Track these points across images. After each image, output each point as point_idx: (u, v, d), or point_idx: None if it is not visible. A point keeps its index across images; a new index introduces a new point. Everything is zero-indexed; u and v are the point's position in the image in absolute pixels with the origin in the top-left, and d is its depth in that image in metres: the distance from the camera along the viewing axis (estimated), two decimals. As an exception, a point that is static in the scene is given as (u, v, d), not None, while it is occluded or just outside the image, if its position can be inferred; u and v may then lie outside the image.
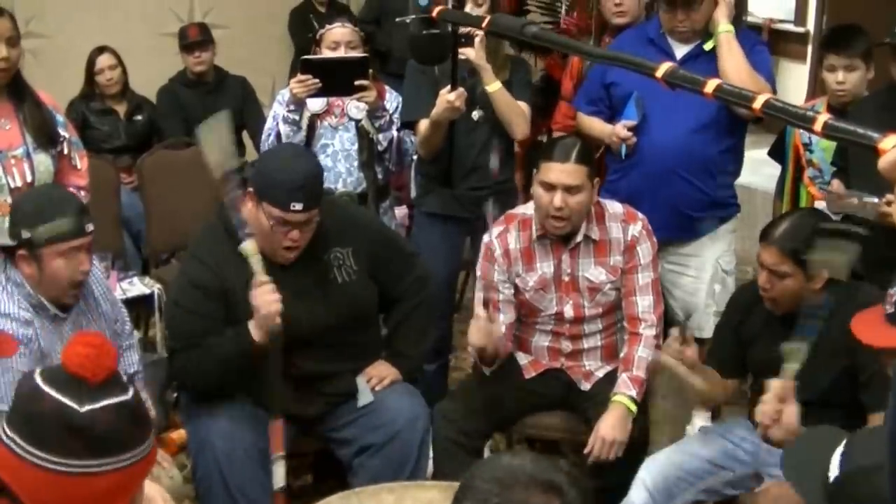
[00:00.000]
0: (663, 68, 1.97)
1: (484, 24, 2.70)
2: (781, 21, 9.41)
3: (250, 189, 3.93)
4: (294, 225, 3.86)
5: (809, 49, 8.99)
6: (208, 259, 3.98)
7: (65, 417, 2.11)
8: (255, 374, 3.93)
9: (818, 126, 1.73)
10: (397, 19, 4.36)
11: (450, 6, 4.35)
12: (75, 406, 2.12)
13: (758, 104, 1.81)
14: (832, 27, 5.00)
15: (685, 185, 4.72)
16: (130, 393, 2.21)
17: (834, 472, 2.21)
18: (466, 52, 4.54)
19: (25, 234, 3.58)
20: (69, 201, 3.75)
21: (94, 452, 2.12)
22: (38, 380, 2.17)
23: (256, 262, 3.78)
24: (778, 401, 3.25)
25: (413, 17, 3.22)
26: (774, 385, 3.26)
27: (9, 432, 2.14)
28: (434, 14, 3.10)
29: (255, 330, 3.86)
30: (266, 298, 3.78)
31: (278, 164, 4.01)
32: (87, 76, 6.86)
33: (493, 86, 4.77)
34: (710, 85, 1.89)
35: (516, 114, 4.83)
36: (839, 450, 2.26)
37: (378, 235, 4.31)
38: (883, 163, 1.58)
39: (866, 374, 3.40)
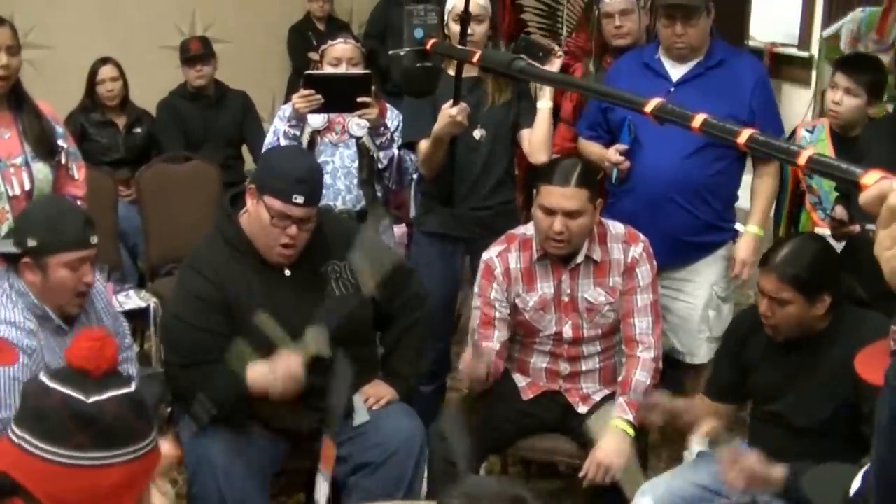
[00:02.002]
0: (652, 104, 1.96)
1: (475, 59, 2.70)
2: (784, 45, 9.43)
3: (251, 185, 3.92)
4: (293, 220, 3.83)
5: (814, 74, 8.99)
6: (208, 271, 3.95)
7: (72, 409, 2.18)
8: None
9: (802, 160, 1.72)
10: (390, 52, 4.36)
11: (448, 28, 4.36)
12: (81, 397, 2.19)
13: (742, 139, 1.80)
14: (854, 52, 5.00)
15: (679, 210, 4.72)
16: (133, 386, 2.29)
17: (856, 486, 2.24)
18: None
19: (31, 243, 3.59)
20: (76, 213, 3.76)
21: (103, 444, 2.19)
22: (44, 378, 2.25)
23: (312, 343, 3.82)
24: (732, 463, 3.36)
25: (407, 49, 3.21)
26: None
27: (18, 432, 2.21)
28: (427, 47, 3.09)
29: (258, 380, 3.82)
30: (290, 377, 3.78)
31: (281, 158, 4.07)
32: (89, 87, 6.87)
33: (545, 103, 4.87)
34: (697, 120, 1.88)
35: (547, 139, 4.89)
36: (863, 470, 2.28)
37: None
38: (863, 198, 1.58)
39: (869, 405, 3.36)
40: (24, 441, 2.18)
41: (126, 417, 2.22)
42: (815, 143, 4.99)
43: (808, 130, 5.17)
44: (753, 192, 4.90)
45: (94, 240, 3.71)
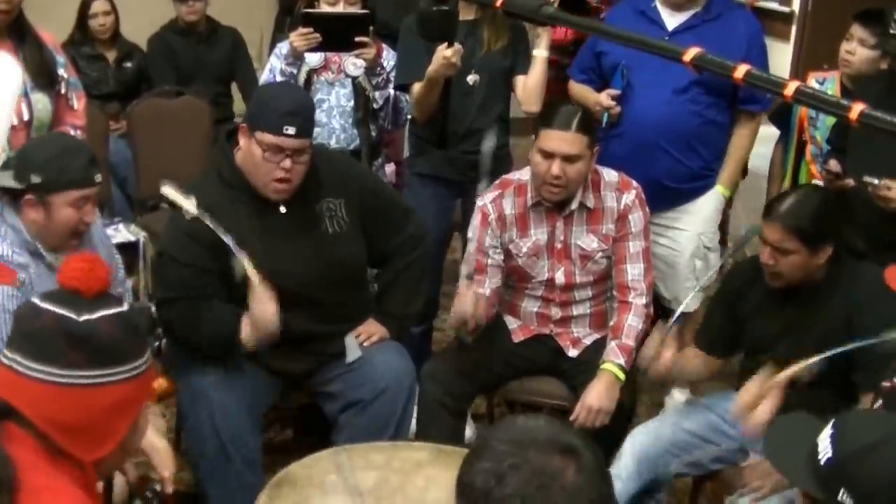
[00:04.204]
0: (691, 53, 1.97)
1: (498, 3, 2.68)
2: (765, -1, 9.44)
3: (243, 123, 3.93)
4: (286, 153, 3.82)
5: (794, 28, 9.01)
6: (200, 208, 3.94)
7: (64, 327, 2.18)
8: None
9: (854, 114, 1.73)
10: None
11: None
12: (73, 316, 2.19)
13: (789, 91, 1.82)
14: (874, 7, 5.00)
15: (665, 156, 4.75)
16: (126, 305, 2.28)
17: (826, 453, 2.22)
18: None
19: (35, 179, 3.54)
20: (81, 150, 3.70)
21: (95, 362, 2.18)
22: (35, 300, 2.25)
23: (252, 272, 3.77)
24: (761, 391, 3.31)
25: None
26: (763, 375, 3.34)
27: (9, 354, 2.19)
28: None
29: (246, 327, 3.88)
30: (263, 308, 3.79)
31: (271, 93, 4.08)
32: (80, 20, 6.83)
33: (541, 51, 4.81)
34: (740, 70, 1.89)
35: (540, 88, 4.85)
36: (826, 431, 2.27)
37: (372, 187, 4.29)
38: None
39: (861, 353, 3.40)
40: (16, 363, 2.17)
41: (118, 336, 2.21)
42: None
43: (818, 82, 5.19)
44: (728, 151, 4.92)
45: (99, 178, 3.69)
